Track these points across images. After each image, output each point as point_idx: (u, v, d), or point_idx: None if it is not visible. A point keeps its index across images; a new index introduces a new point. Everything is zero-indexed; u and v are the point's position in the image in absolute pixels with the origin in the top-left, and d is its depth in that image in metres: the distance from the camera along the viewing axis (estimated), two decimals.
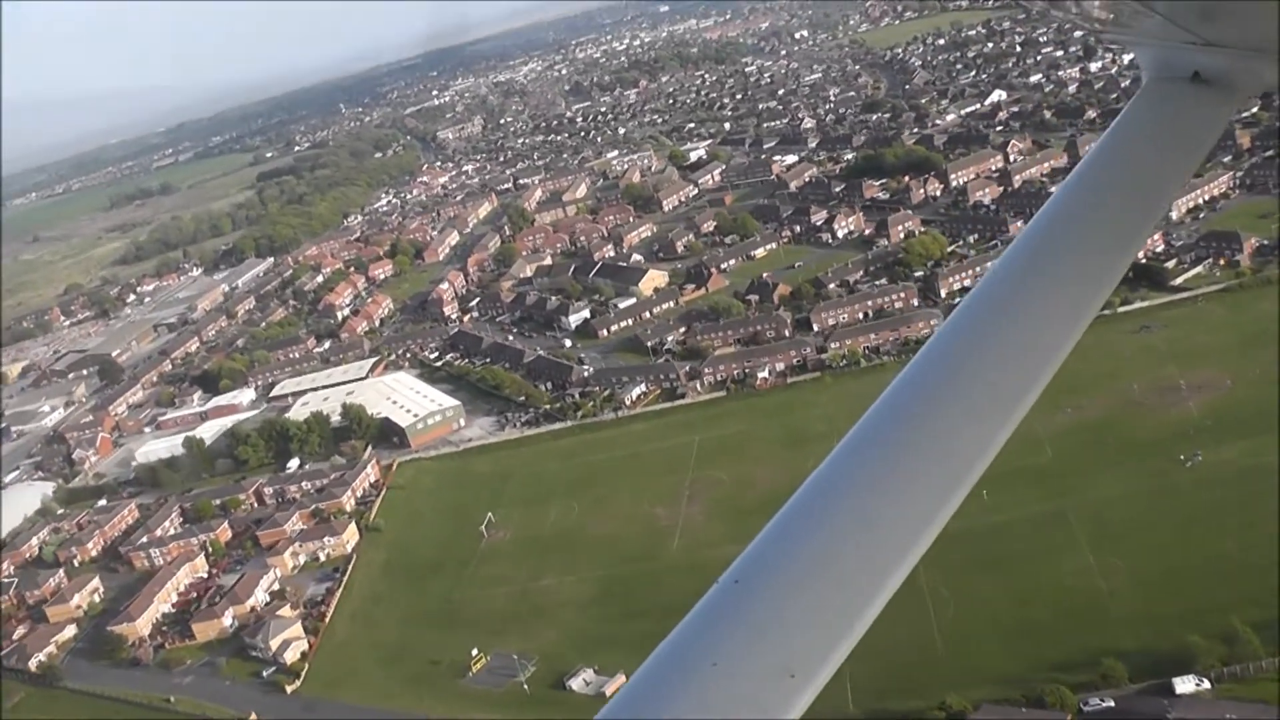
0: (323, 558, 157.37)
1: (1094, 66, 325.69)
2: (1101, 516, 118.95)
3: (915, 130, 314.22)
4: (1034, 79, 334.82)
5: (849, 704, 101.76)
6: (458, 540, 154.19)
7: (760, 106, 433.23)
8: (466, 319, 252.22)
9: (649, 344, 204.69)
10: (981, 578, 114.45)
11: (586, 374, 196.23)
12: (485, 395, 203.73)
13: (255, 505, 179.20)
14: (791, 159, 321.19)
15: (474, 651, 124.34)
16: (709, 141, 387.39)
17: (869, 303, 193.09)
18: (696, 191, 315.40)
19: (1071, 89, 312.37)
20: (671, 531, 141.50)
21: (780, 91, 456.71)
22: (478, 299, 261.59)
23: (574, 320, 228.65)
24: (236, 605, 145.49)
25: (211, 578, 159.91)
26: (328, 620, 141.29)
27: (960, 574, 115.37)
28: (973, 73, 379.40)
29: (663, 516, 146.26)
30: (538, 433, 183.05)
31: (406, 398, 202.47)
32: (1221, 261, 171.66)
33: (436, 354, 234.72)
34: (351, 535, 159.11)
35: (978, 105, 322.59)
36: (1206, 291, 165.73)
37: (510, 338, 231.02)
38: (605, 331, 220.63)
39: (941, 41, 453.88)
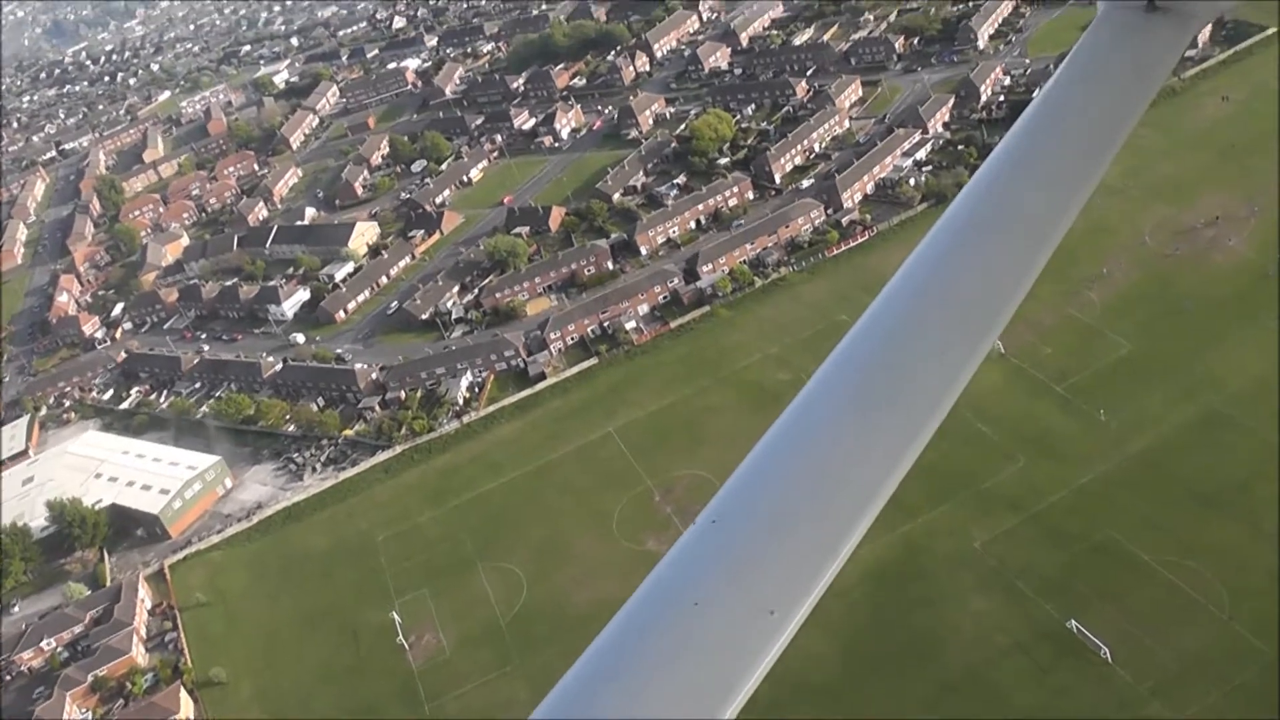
0: None
1: None
2: None
3: (549, 6, 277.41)
4: None
5: None
6: (370, 669, 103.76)
7: (322, 14, 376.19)
8: (120, 335, 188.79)
9: (423, 317, 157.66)
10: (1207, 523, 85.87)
11: (375, 376, 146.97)
12: (232, 435, 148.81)
13: None
14: (414, 63, 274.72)
15: None
16: (288, 62, 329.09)
17: (700, 206, 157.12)
18: (319, 121, 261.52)
19: None
20: None
21: None
22: (122, 305, 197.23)
23: (289, 307, 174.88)
24: None
25: None
26: None
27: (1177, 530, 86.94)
28: None
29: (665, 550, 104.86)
30: (359, 472, 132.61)
31: (128, 467, 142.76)
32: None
33: (110, 392, 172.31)
34: (186, 706, 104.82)
35: None
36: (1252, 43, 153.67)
37: (206, 349, 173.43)
38: (342, 313, 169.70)
39: None
